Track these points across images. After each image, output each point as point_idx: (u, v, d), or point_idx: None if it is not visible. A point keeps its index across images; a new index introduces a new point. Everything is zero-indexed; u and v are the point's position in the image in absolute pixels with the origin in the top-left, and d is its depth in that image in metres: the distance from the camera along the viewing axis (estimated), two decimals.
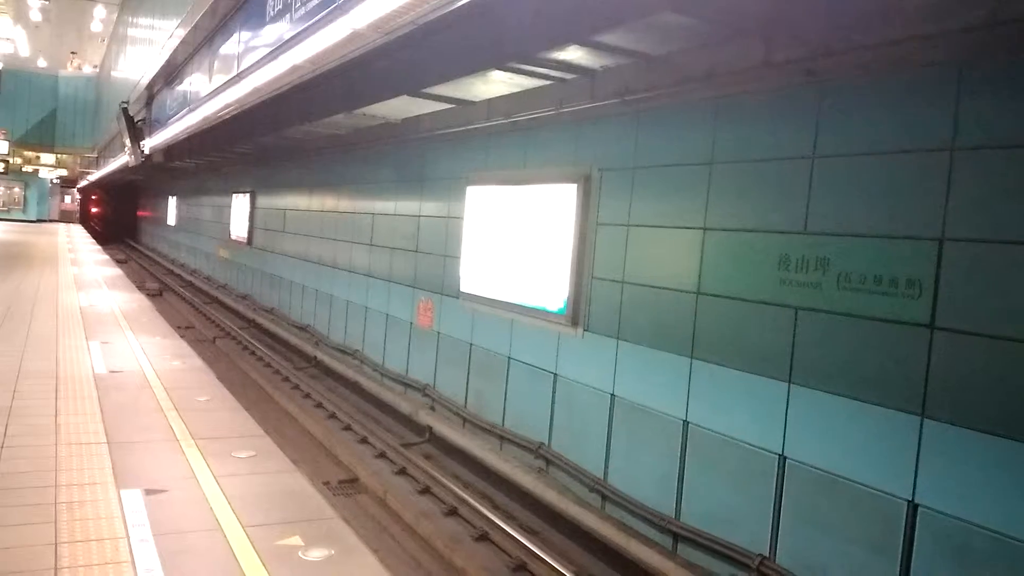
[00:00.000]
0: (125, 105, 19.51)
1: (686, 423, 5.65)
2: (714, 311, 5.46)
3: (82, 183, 46.35)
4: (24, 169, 47.29)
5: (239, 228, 19.27)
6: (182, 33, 11.61)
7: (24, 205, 47.87)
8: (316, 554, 3.83)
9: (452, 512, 7.18)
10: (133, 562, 3.63)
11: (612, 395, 6.41)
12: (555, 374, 7.16)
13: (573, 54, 5.43)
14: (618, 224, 6.42)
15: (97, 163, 37.48)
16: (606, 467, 6.44)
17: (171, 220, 31.33)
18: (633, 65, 5.66)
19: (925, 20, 4.01)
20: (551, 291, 7.04)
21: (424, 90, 6.99)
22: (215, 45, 10.46)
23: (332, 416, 10.37)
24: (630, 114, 6.27)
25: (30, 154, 47.55)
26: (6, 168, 44.87)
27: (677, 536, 5.65)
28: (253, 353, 14.51)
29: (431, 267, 9.53)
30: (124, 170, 24.61)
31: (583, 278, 6.75)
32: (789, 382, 4.86)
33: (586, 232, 6.74)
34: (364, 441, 9.32)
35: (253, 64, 7.81)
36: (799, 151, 4.88)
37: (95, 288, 15.40)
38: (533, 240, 7.36)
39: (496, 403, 8.06)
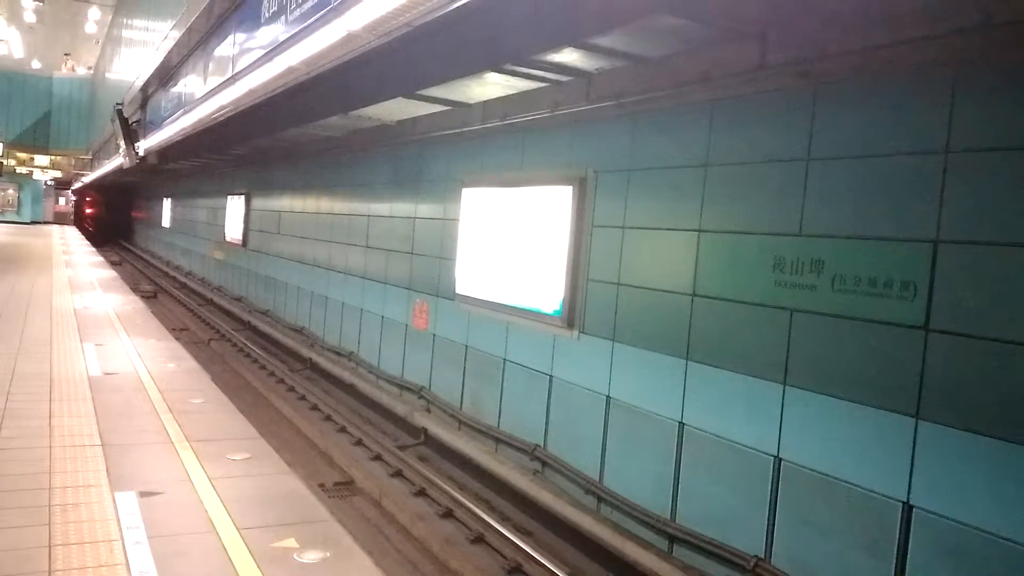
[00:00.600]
0: (120, 107, 19.48)
1: (682, 425, 5.66)
2: (709, 313, 5.47)
3: (76, 185, 46.26)
4: (18, 171, 47.18)
5: (234, 230, 19.23)
6: (177, 35, 11.61)
7: (18, 207, 47.74)
8: (311, 556, 3.83)
9: (448, 514, 7.17)
10: (128, 564, 3.62)
11: (608, 397, 6.42)
12: (551, 376, 7.16)
13: (568, 56, 5.44)
14: (614, 226, 6.43)
15: (91, 165, 37.42)
16: (602, 469, 6.44)
17: (166, 222, 31.25)
18: (628, 67, 5.67)
19: (919, 22, 4.03)
20: (547, 293, 7.04)
21: (419, 92, 6.99)
22: (210, 47, 10.45)
23: (327, 418, 10.36)
24: (626, 116, 6.27)
25: (24, 156, 47.44)
26: (0, 170, 44.75)
27: (673, 538, 5.65)
28: (248, 355, 14.49)
29: (427, 269, 9.53)
30: (118, 172, 24.56)
31: (579, 280, 6.75)
32: (784, 384, 4.87)
33: (582, 234, 6.75)
34: (359, 443, 9.30)
35: (248, 66, 7.81)
36: (794, 153, 4.90)
37: (89, 290, 15.36)
38: (529, 242, 7.36)
39: (492, 405, 8.05)
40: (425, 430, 8.95)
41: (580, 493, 6.60)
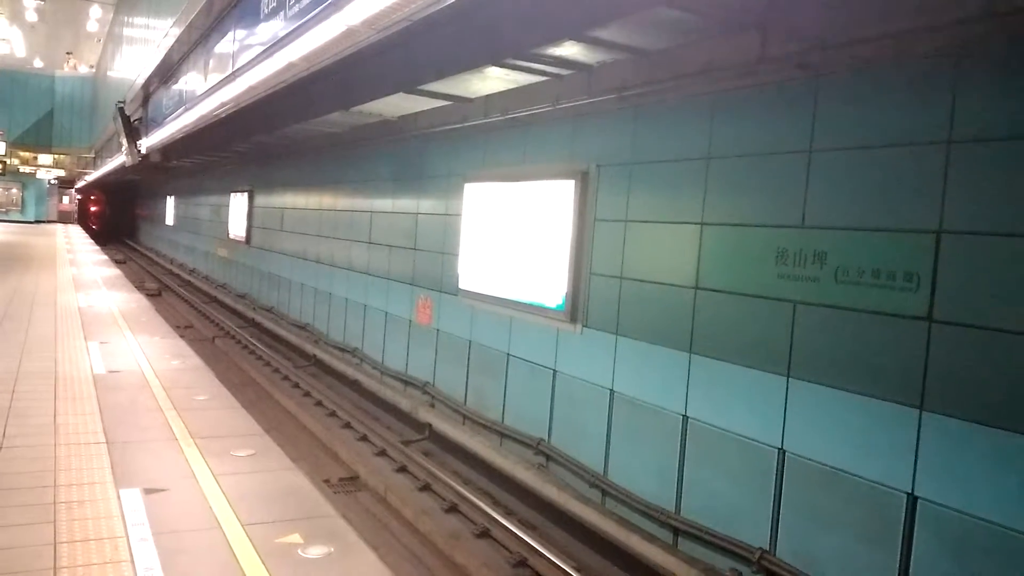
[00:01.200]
0: (121, 105, 19.47)
1: (685, 418, 5.65)
2: (712, 306, 5.46)
3: (80, 183, 46.31)
4: (22, 170, 47.23)
5: (237, 227, 19.25)
6: (177, 32, 11.58)
7: (22, 206, 47.81)
8: (315, 552, 3.84)
9: (452, 509, 7.19)
10: (132, 561, 3.64)
11: (611, 391, 6.41)
12: (554, 370, 7.16)
13: (569, 50, 5.42)
14: (616, 220, 6.42)
15: (95, 163, 37.43)
16: (606, 462, 6.45)
17: (169, 220, 31.31)
18: (629, 60, 5.66)
19: (921, 12, 4.01)
20: (550, 287, 7.04)
21: (420, 87, 6.98)
22: (210, 43, 10.44)
23: (332, 414, 10.38)
24: (627, 110, 6.26)
25: (27, 155, 47.50)
26: (3, 169, 44.82)
27: (677, 531, 5.66)
28: (252, 352, 14.51)
29: (430, 264, 9.53)
30: (121, 170, 24.56)
31: (581, 274, 6.75)
32: (788, 376, 4.86)
33: (584, 228, 6.74)
34: (364, 439, 9.32)
35: (248, 62, 7.79)
36: (796, 145, 4.88)
37: (94, 288, 15.39)
38: (531, 237, 7.35)
39: (496, 400, 8.06)
40: (430, 425, 8.96)
41: (585, 487, 6.61)
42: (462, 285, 8.55)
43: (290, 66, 6.67)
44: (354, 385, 11.29)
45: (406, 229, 10.22)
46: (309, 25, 5.73)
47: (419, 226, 9.90)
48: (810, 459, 4.72)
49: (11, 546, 3.73)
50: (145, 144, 17.98)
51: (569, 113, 6.80)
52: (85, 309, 12.17)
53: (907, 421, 4.16)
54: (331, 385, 11.85)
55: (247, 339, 15.32)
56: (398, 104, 8.07)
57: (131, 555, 3.70)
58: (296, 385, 11.96)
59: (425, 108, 8.26)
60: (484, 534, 6.67)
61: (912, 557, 4.14)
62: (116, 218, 46.56)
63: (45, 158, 47.95)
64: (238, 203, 19.18)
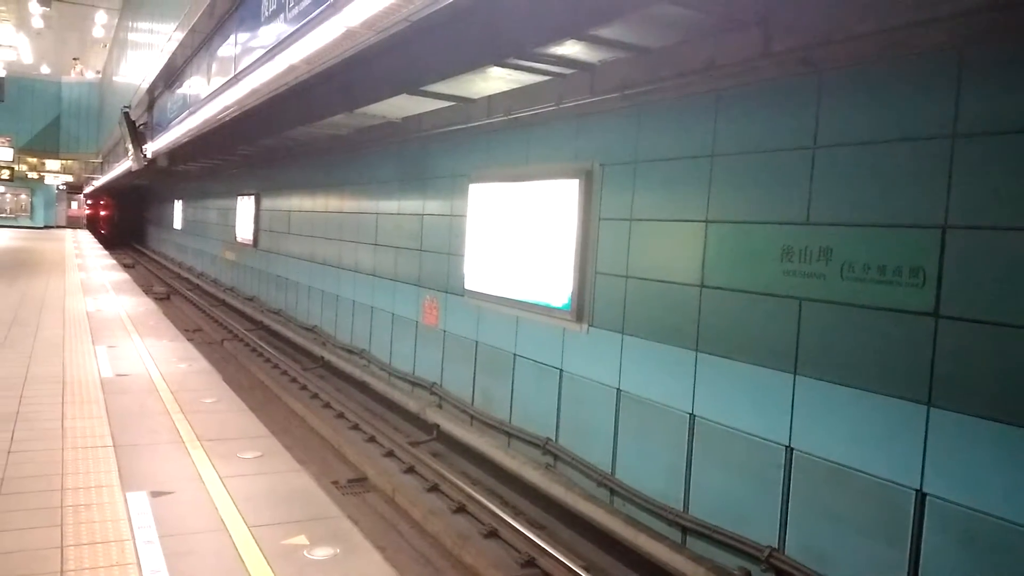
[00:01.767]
0: (127, 109, 19.56)
1: (692, 416, 5.63)
2: (718, 304, 5.44)
3: (88, 189, 46.55)
4: (30, 176, 47.53)
5: (244, 230, 19.30)
6: (180, 36, 11.63)
7: (31, 212, 48.12)
8: (321, 553, 3.84)
9: (460, 509, 7.19)
10: (139, 563, 3.65)
11: (618, 390, 6.40)
12: (561, 370, 7.15)
13: (571, 49, 5.41)
14: (621, 219, 6.40)
15: (102, 168, 37.60)
16: (614, 462, 6.43)
17: (177, 224, 31.42)
18: (632, 59, 5.64)
19: (924, 5, 3.98)
20: (555, 287, 7.03)
21: (423, 88, 6.98)
22: (213, 47, 10.47)
23: (340, 416, 10.39)
24: (630, 108, 6.24)
25: (35, 161, 47.78)
26: (11, 175, 45.08)
27: (686, 529, 5.64)
28: (261, 355, 14.56)
29: (435, 265, 9.53)
30: (128, 175, 24.68)
31: (587, 273, 6.73)
32: (795, 373, 4.84)
33: (589, 227, 6.72)
34: (372, 440, 9.33)
35: (250, 65, 7.81)
36: (800, 141, 4.85)
37: (102, 293, 15.46)
38: (536, 236, 7.34)
39: (503, 400, 8.05)
40: (437, 426, 8.96)
41: (592, 486, 6.59)
42: (468, 285, 8.55)
43: (291, 68, 6.68)
44: (362, 387, 11.30)
45: (412, 230, 10.23)
46: (309, 27, 5.74)
47: (424, 227, 9.90)
48: (818, 456, 4.69)
49: (18, 549, 3.75)
50: (151, 148, 18.05)
51: (572, 112, 6.79)
52: (93, 313, 12.22)
53: (915, 417, 4.14)
54: (339, 387, 11.87)
55: (255, 342, 15.37)
56: (402, 105, 8.07)
57: (137, 558, 3.71)
58: (304, 387, 11.99)
59: (429, 109, 8.26)
60: (492, 534, 6.67)
61: (922, 553, 4.11)
62: (125, 223, 46.76)
63: (53, 164, 48.26)
64: (245, 206, 19.23)
